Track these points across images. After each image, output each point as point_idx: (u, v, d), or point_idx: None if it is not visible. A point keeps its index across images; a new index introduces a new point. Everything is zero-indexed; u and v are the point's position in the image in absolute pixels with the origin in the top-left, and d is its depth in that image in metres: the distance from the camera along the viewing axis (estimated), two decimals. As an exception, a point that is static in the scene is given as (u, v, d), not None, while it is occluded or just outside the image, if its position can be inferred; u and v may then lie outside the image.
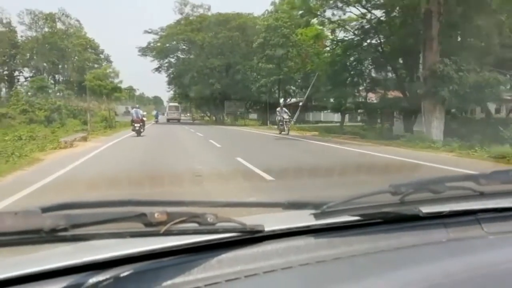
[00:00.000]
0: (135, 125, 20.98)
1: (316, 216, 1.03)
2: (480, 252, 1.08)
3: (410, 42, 23.09)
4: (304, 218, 1.05)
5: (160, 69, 51.30)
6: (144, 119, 22.87)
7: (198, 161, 10.75)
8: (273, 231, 1.03)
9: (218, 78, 44.31)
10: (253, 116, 48.61)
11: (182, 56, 49.38)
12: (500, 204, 1.24)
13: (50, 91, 52.12)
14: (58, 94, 55.35)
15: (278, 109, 24.69)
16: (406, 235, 1.11)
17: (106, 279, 0.84)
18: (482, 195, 1.11)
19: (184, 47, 48.54)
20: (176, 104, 56.64)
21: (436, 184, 1.06)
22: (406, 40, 23.65)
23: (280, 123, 23.80)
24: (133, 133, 21.53)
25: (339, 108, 35.72)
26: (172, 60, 50.20)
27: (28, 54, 64.57)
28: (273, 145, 16.37)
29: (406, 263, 1.01)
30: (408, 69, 27.08)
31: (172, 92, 74.02)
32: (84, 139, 18.52)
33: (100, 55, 72.46)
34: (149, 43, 49.71)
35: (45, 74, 62.25)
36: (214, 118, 65.41)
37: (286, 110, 24.48)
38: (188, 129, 31.13)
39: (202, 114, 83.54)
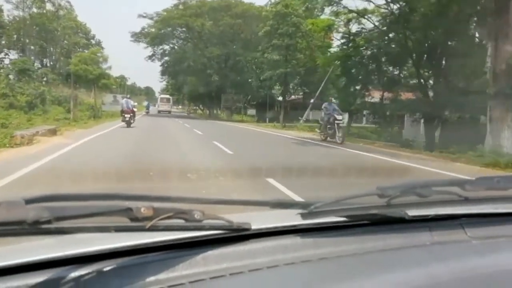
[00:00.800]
0: (125, 115, 19.85)
1: (303, 216, 1.00)
2: (463, 256, 1.08)
3: (441, 36, 19.40)
4: (291, 218, 1.03)
5: (154, 57, 46.82)
6: (135, 109, 21.52)
7: (212, 186, 6.57)
8: (260, 229, 1.00)
9: (217, 69, 39.99)
10: (251, 111, 44.35)
11: (178, 44, 44.77)
12: (484, 209, 1.23)
13: (34, 75, 47.30)
14: (44, 78, 50.54)
15: (325, 104, 17.09)
16: (392, 237, 1.09)
17: (89, 273, 0.80)
18: (467, 200, 1.11)
19: (181, 34, 43.96)
20: (168, 96, 56.10)
21: (422, 188, 1.06)
22: (439, 34, 19.86)
23: (329, 125, 15.85)
24: (119, 125, 19.69)
25: (348, 108, 31.70)
26: (167, 47, 45.65)
27: (15, 36, 59.53)
28: (315, 156, 11.43)
29: (392, 264, 1.00)
30: (433, 68, 23.30)
31: (165, 82, 70.61)
32: (53, 132, 14.19)
33: (91, 40, 67.65)
34: (143, 29, 45.18)
35: (32, 58, 57.66)
36: (207, 112, 61.32)
37: (337, 107, 16.71)
38: (183, 124, 26.90)
39: (195, 107, 79.38)
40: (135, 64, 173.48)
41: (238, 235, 0.96)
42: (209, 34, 40.12)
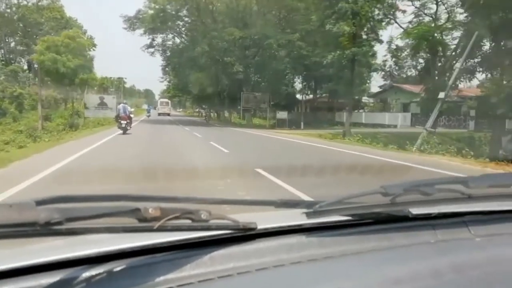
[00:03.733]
0: (121, 122, 16.94)
1: (308, 215, 0.97)
2: (467, 253, 1.03)
3: None
4: (296, 217, 0.99)
5: (153, 48, 34.57)
6: (132, 115, 18.61)
7: None
8: (266, 229, 0.96)
9: (240, 57, 27.74)
10: (281, 115, 32.06)
11: (185, 27, 32.25)
12: (488, 207, 1.17)
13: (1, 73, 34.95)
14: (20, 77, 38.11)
15: None
16: (396, 235, 1.04)
17: (99, 274, 0.78)
18: (470, 198, 1.06)
19: (186, 12, 31.45)
20: (167, 100, 58.31)
21: (426, 186, 1.02)
22: None
23: None
24: (93, 147, 11.83)
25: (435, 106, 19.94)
26: (170, 34, 33.19)
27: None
28: None
29: (396, 263, 0.95)
30: None
31: (165, 83, 59.79)
32: None
33: (82, 36, 55.12)
34: (138, 12, 33.10)
35: (23, 59, 46.32)
36: (216, 115, 49.44)
37: None
38: (207, 141, 14.87)
39: (197, 110, 67.51)
40: (134, 66, 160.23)
41: (244, 235, 0.91)
42: (227, 12, 27.83)
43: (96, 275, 0.77)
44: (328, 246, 0.96)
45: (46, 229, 0.68)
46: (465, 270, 0.92)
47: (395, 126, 31.77)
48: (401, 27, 21.04)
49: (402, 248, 1.00)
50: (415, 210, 1.05)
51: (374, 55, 18.88)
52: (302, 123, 30.31)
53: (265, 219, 0.99)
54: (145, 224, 0.76)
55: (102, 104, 28.62)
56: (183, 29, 32.23)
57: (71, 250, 0.80)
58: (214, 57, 28.69)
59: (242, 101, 32.05)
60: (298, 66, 27.50)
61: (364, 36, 18.63)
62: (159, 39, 33.42)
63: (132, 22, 33.69)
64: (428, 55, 21.08)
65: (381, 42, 18.42)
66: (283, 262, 0.88)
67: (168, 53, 34.13)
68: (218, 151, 11.23)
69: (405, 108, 36.82)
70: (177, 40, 34.27)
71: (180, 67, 34.57)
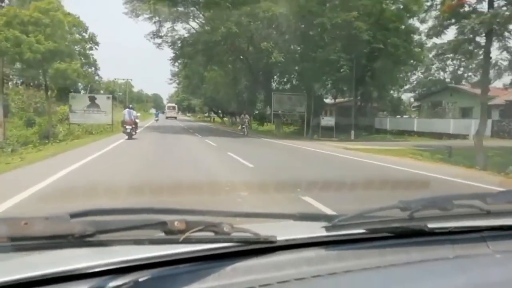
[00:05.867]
0: (127, 127, 15.28)
1: (327, 228, 0.95)
2: (486, 269, 0.98)
3: None
4: (316, 230, 0.97)
5: (161, 38, 26.44)
6: (137, 121, 16.45)
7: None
8: (286, 241, 0.94)
9: (279, 43, 19.59)
10: (327, 121, 23.97)
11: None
12: (506, 222, 1.11)
13: None
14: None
15: None
16: (414, 250, 1.01)
17: (125, 284, 0.77)
18: (488, 213, 1.02)
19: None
20: (174, 104, 59.86)
21: (444, 201, 0.98)
22: None
23: None
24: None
25: None
26: (181, 14, 24.99)
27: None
28: None
29: (415, 278, 0.92)
30: None
31: (175, 85, 53.50)
32: None
33: (83, 33, 46.96)
34: (143, -8, 25.00)
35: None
36: (230, 120, 41.54)
37: None
38: (292, 196, 6.78)
39: (207, 115, 59.97)
40: (143, 70, 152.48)
41: (265, 247, 0.90)
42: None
43: (122, 285, 0.75)
44: (347, 259, 0.93)
45: (79, 241, 0.68)
46: (484, 286, 0.87)
47: (466, 137, 23.80)
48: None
49: (421, 263, 0.95)
50: (433, 225, 0.99)
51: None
52: (352, 133, 22.40)
53: (284, 232, 0.95)
54: (171, 236, 0.75)
55: (93, 106, 20.66)
56: (200, 5, 23.91)
57: (98, 260, 0.79)
58: (240, 45, 20.59)
59: (274, 103, 24.04)
60: (354, 56, 19.38)
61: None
62: (168, 24, 25.43)
63: (135, 6, 25.71)
64: None
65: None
66: (304, 275, 0.84)
67: (179, 43, 26.03)
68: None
69: (464, 113, 28.98)
70: (190, 26, 26.23)
71: (193, 61, 26.52)
